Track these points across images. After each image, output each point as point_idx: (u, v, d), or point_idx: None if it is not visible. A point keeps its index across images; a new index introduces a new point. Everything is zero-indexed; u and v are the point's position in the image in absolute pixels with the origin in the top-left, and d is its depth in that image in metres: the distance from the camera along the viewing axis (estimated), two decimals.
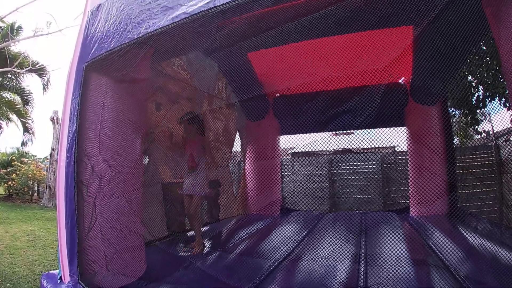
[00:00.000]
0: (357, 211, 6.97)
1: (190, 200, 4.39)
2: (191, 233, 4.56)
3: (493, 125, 5.19)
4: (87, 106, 3.14)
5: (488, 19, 2.23)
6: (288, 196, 9.01)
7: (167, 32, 2.61)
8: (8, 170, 15.13)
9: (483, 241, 3.52)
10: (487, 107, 5.09)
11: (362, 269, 3.17)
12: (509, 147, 4.94)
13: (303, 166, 9.32)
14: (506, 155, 4.77)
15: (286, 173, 9.32)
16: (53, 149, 14.79)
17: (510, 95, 2.05)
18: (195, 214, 4.38)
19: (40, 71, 15.27)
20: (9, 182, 14.59)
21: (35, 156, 20.75)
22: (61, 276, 3.24)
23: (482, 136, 5.50)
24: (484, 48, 3.56)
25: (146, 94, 3.70)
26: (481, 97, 5.20)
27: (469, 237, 3.82)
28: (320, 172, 9.09)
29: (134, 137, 3.30)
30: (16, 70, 13.89)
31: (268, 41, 2.90)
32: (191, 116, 4.46)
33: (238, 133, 6.29)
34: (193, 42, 2.95)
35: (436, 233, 4.21)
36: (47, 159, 17.69)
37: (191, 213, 4.38)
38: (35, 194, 16.23)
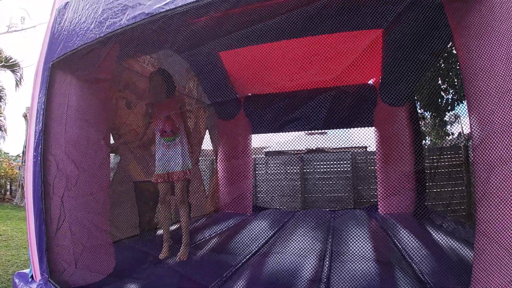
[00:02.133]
0: (328, 209, 7.10)
1: (167, 184, 3.55)
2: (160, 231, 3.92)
3: (462, 126, 5.36)
4: (52, 105, 3.15)
5: (450, 26, 2.31)
6: (261, 195, 9.12)
7: (127, 32, 2.62)
8: None
9: (446, 239, 3.62)
10: (456, 109, 5.27)
11: (326, 265, 3.27)
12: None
13: (276, 165, 9.43)
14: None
15: (259, 171, 9.42)
16: (25, 147, 14.53)
17: (468, 103, 2.15)
18: (182, 201, 3.53)
19: (13, 66, 15.01)
20: None
21: (8, 153, 20.32)
22: (32, 275, 3.25)
23: (452, 137, 5.68)
24: (454, 52, 3.68)
25: (111, 93, 3.69)
26: (450, 100, 5.38)
27: (432, 235, 3.95)
28: (293, 170, 9.21)
29: (99, 136, 3.33)
30: None
31: (236, 41, 2.94)
32: (163, 73, 3.63)
33: (208, 132, 6.30)
34: (156, 42, 2.97)
35: (401, 230, 4.33)
36: (19, 156, 17.36)
37: (178, 200, 3.53)
38: (8, 193, 15.95)
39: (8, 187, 16.13)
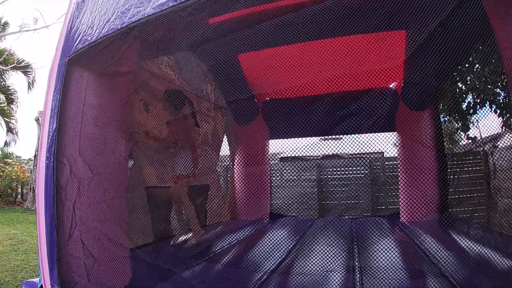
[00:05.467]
0: (347, 217, 6.92)
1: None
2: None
3: (481, 131, 5.22)
4: (68, 103, 2.96)
5: (492, 25, 2.15)
6: (277, 201, 8.94)
7: (152, 21, 2.43)
8: None
9: (475, 246, 3.44)
10: (478, 113, 5.10)
11: (358, 279, 3.09)
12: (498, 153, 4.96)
13: (292, 171, 9.24)
14: (496, 160, 4.78)
15: (274, 177, 9.22)
16: (37, 151, 14.58)
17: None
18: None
19: (25, 68, 15.12)
20: None
21: (20, 157, 20.51)
22: (41, 285, 3.05)
23: (474, 141, 5.53)
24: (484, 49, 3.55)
25: (130, 90, 3.55)
26: (471, 103, 5.22)
27: (461, 243, 3.77)
28: (309, 177, 9.02)
29: (118, 137, 3.16)
30: (0, 67, 13.69)
31: (258, 42, 2.81)
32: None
33: (226, 137, 6.18)
34: (181, 35, 2.80)
35: (428, 239, 4.20)
36: (31, 160, 17.49)
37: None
38: (19, 196, 16.08)
39: (20, 190, 16.28)
